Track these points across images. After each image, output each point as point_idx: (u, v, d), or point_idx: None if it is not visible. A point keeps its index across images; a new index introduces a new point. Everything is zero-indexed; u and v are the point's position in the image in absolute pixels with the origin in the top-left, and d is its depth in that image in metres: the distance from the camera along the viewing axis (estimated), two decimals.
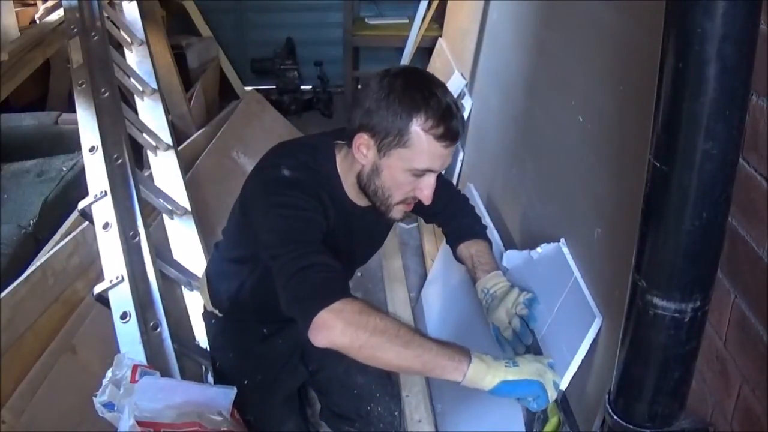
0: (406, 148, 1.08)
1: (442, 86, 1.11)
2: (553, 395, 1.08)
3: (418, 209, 1.49)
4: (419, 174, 1.11)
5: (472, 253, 1.39)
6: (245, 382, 1.39)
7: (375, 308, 1.01)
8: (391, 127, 1.07)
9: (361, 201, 1.22)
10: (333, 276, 1.02)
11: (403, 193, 1.14)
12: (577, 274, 1.24)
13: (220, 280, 1.42)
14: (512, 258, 1.47)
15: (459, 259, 1.43)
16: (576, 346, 1.17)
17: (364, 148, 1.11)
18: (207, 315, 1.51)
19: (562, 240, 1.32)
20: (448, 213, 1.46)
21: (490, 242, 1.44)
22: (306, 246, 1.05)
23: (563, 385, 1.18)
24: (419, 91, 1.07)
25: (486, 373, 1.02)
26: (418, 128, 1.06)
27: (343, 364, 1.46)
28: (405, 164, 1.09)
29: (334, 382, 1.48)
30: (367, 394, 1.47)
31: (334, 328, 0.96)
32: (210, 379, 1.53)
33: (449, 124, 1.06)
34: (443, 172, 1.24)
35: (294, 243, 1.05)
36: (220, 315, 1.45)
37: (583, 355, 1.16)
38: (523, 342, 1.25)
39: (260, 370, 1.42)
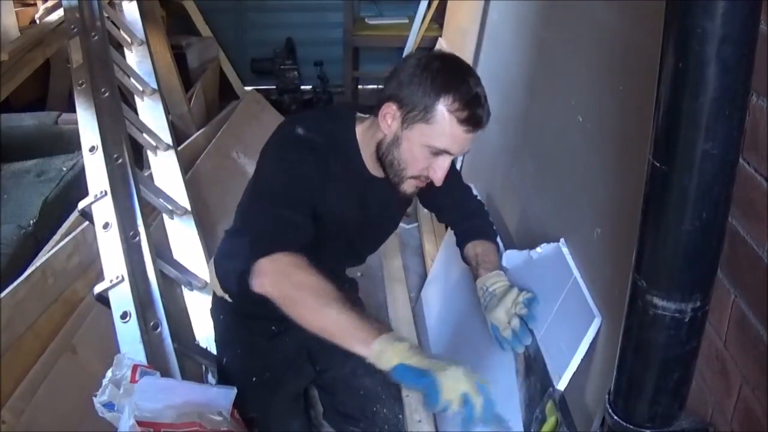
0: (429, 125, 1.12)
1: (476, 77, 1.16)
2: (446, 402, 0.96)
3: (432, 204, 1.49)
4: (436, 152, 1.14)
5: (477, 252, 1.40)
6: (253, 379, 1.40)
7: (310, 266, 1.04)
8: (419, 102, 1.11)
9: (376, 171, 1.25)
10: (288, 230, 1.08)
11: (418, 169, 1.17)
12: (576, 274, 1.24)
13: (228, 259, 1.43)
14: (512, 258, 1.47)
15: (465, 260, 1.44)
16: (575, 345, 1.17)
17: (390, 117, 1.16)
18: (216, 308, 1.52)
19: (562, 240, 1.32)
20: (461, 213, 1.48)
21: (497, 245, 1.44)
22: (283, 199, 1.12)
23: (562, 385, 1.18)
24: (453, 75, 1.12)
25: (389, 353, 0.96)
26: (443, 108, 1.10)
27: (350, 365, 1.46)
28: (425, 140, 1.13)
29: (340, 382, 1.49)
30: (373, 395, 1.47)
31: (266, 276, 1.04)
32: (210, 379, 1.53)
33: (474, 110, 1.11)
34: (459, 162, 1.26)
35: (272, 196, 1.13)
36: (230, 301, 1.45)
37: (582, 354, 1.16)
38: (522, 342, 1.25)
39: (268, 367, 1.43)
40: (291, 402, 1.47)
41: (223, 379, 1.45)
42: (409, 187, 1.22)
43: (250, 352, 1.45)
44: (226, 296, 1.46)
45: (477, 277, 1.36)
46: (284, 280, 1.03)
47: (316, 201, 1.19)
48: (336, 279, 1.49)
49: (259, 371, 1.42)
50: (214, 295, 1.52)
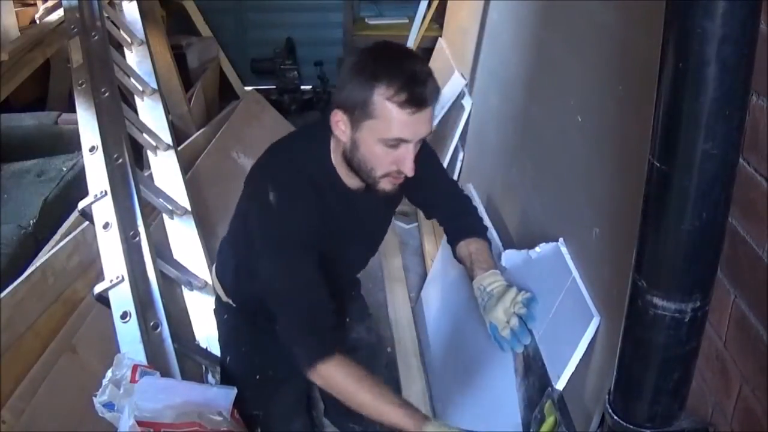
0: (374, 119, 1.08)
1: (412, 57, 1.11)
2: None
3: (418, 200, 1.48)
4: (393, 144, 1.10)
5: (470, 251, 1.39)
6: (257, 377, 1.40)
7: (353, 367, 1.16)
8: (358, 99, 1.08)
9: (356, 184, 1.23)
10: (325, 333, 1.17)
11: (385, 166, 1.14)
12: (575, 273, 1.24)
13: (232, 274, 1.43)
14: (511, 258, 1.47)
15: (458, 258, 1.43)
16: (574, 345, 1.17)
17: (341, 124, 1.13)
18: (220, 308, 1.52)
19: (561, 240, 1.33)
20: (450, 211, 1.46)
21: (489, 242, 1.43)
22: (306, 294, 1.17)
23: (561, 384, 1.18)
24: (384, 62, 1.08)
25: None
26: (380, 97, 1.06)
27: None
28: (376, 135, 1.10)
29: None
30: None
31: (328, 380, 1.17)
32: (210, 379, 1.53)
33: (413, 90, 1.05)
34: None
35: (295, 296, 1.18)
36: (234, 306, 1.45)
37: (581, 354, 1.16)
38: (521, 341, 1.25)
39: (272, 366, 1.43)
40: (294, 401, 1.47)
41: (226, 378, 1.45)
42: (385, 185, 1.18)
43: (254, 351, 1.44)
44: (230, 301, 1.46)
45: (473, 277, 1.35)
46: (340, 387, 1.17)
47: (321, 248, 1.20)
48: (346, 285, 1.53)
49: (263, 370, 1.42)
50: (218, 297, 1.52)
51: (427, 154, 1.29)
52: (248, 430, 1.34)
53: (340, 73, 1.13)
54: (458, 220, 1.46)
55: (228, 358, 1.47)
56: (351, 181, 1.23)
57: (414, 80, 1.06)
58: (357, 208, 1.27)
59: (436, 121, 2.53)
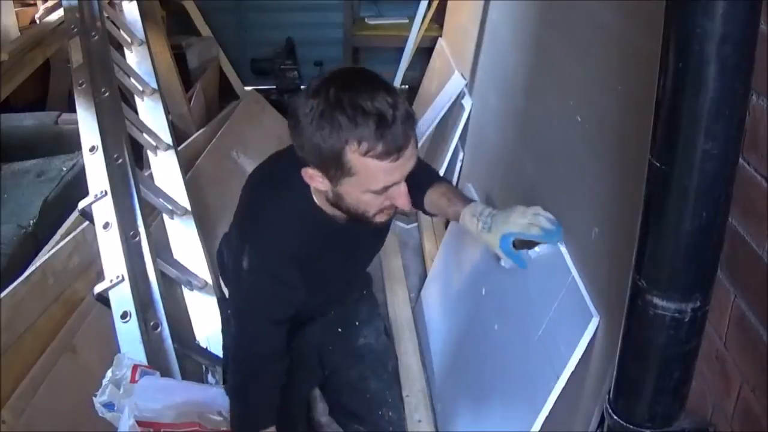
0: (354, 176, 1.00)
1: (371, 87, 0.98)
2: None
3: None
4: (381, 192, 1.05)
5: (441, 192, 1.31)
6: None
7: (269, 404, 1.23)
8: (331, 162, 0.99)
9: (342, 215, 1.17)
10: (266, 369, 1.21)
11: (376, 206, 1.08)
12: (574, 273, 1.24)
13: (223, 263, 1.44)
14: (506, 260, 1.46)
15: (429, 210, 1.36)
16: (573, 345, 1.17)
17: (317, 179, 1.06)
18: (222, 306, 1.53)
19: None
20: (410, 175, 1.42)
21: (449, 182, 1.38)
22: (263, 353, 1.21)
23: (560, 384, 1.17)
24: (342, 111, 0.95)
25: None
26: (355, 155, 0.97)
27: (358, 369, 1.46)
28: (361, 188, 1.03)
29: (347, 385, 1.49)
30: (380, 399, 1.47)
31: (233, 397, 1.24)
32: (210, 379, 1.53)
33: (387, 138, 0.95)
34: None
35: (253, 340, 1.22)
36: None
37: (581, 354, 1.16)
38: (555, 236, 1.21)
39: None
40: (297, 403, 1.47)
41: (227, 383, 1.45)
42: (380, 219, 1.13)
43: None
44: None
45: (455, 213, 1.27)
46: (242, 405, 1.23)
47: (310, 275, 1.20)
48: (353, 283, 1.54)
49: None
50: (222, 291, 1.53)
51: None
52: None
53: (295, 122, 1.01)
54: (416, 176, 1.39)
55: (230, 356, 1.47)
56: (338, 214, 1.17)
57: (384, 124, 0.95)
58: (346, 236, 1.23)
59: (436, 121, 2.54)
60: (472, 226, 1.24)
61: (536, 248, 1.35)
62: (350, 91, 0.96)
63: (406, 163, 1.02)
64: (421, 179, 1.35)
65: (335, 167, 1.00)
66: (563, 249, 1.30)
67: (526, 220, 1.20)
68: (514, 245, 1.23)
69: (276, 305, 1.19)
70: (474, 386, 1.58)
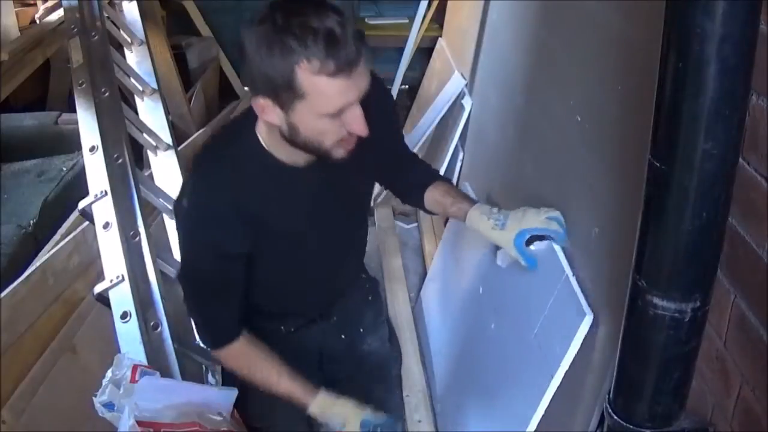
0: (306, 98, 0.96)
1: (316, 9, 0.95)
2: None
3: (378, 175, 1.37)
4: (336, 115, 0.99)
5: (444, 190, 1.31)
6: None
7: (256, 352, 1.24)
8: (278, 82, 0.95)
9: (300, 159, 1.11)
10: (223, 327, 1.23)
11: (333, 136, 1.02)
12: (568, 271, 1.24)
13: None
14: (506, 256, 1.46)
15: (429, 208, 1.34)
16: (567, 344, 1.16)
17: (268, 111, 1.01)
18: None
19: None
20: (401, 169, 1.35)
21: (451, 182, 1.38)
22: (212, 295, 1.21)
23: (555, 383, 1.17)
24: (291, 34, 0.93)
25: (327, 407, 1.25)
26: (305, 73, 0.93)
27: (359, 377, 1.44)
28: (315, 112, 0.98)
29: (346, 391, 1.46)
30: (379, 405, 1.44)
31: (225, 363, 1.30)
32: (210, 379, 1.52)
33: (338, 54, 0.92)
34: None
35: (199, 300, 1.23)
36: None
37: (575, 353, 1.16)
38: (564, 236, 1.25)
39: None
40: (295, 407, 1.46)
41: (229, 383, 1.45)
42: (338, 153, 1.06)
43: None
44: None
45: (462, 212, 1.27)
46: (235, 368, 1.28)
47: (263, 249, 1.17)
48: (341, 274, 1.46)
49: None
50: None
51: (390, 105, 1.28)
52: None
53: (242, 54, 0.99)
54: (412, 173, 1.35)
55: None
56: (296, 158, 1.11)
57: (334, 41, 0.92)
58: (311, 188, 1.17)
59: (436, 121, 2.54)
60: (482, 224, 1.24)
61: (531, 246, 1.30)
62: (298, 15, 0.94)
63: (359, 82, 0.98)
64: (422, 177, 1.35)
65: (286, 92, 0.96)
66: (557, 247, 1.29)
67: (542, 217, 1.24)
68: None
69: (211, 255, 1.15)
70: (473, 386, 1.58)
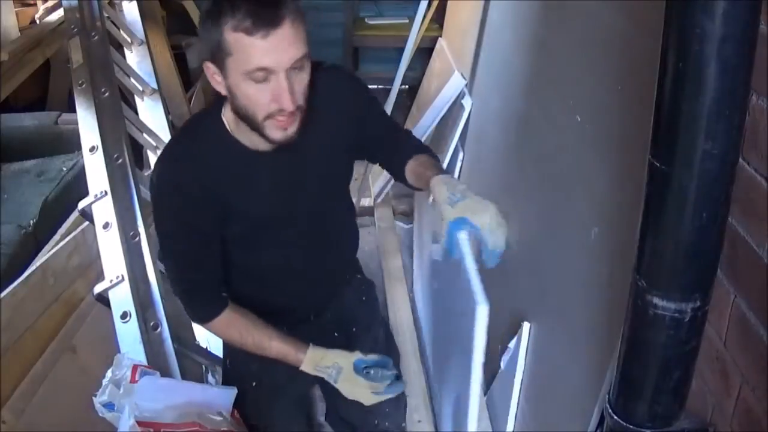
0: (232, 56, 1.03)
1: None
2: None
3: (362, 149, 1.35)
4: (261, 78, 1.03)
5: (422, 161, 1.28)
6: (253, 383, 1.38)
7: (244, 320, 1.26)
8: (214, 42, 1.04)
9: (263, 143, 1.14)
10: (204, 297, 1.25)
11: (263, 106, 1.06)
12: (467, 257, 1.12)
13: None
14: (435, 251, 1.44)
15: (410, 182, 1.30)
16: (471, 339, 1.10)
17: (215, 77, 1.10)
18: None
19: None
20: (389, 147, 1.35)
21: (437, 158, 1.34)
22: (188, 266, 1.24)
23: (474, 387, 1.16)
24: (224, 1, 1.02)
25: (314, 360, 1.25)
26: (229, 30, 1.01)
27: None
28: (239, 71, 1.04)
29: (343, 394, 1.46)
30: (378, 410, 1.43)
31: (216, 332, 1.31)
32: (210, 379, 1.53)
33: (258, 12, 1.00)
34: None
35: (177, 268, 1.27)
36: None
37: (482, 346, 1.09)
38: (495, 257, 1.10)
39: (270, 372, 1.40)
40: (293, 406, 1.45)
41: (226, 384, 1.44)
42: (272, 131, 1.09)
43: (252, 357, 1.42)
44: None
45: (429, 179, 1.19)
46: (227, 337, 1.31)
47: (231, 227, 1.22)
48: (333, 273, 1.46)
49: (260, 375, 1.40)
50: None
51: (361, 95, 1.30)
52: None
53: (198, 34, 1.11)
54: (402, 147, 1.34)
55: (228, 362, 1.46)
56: (258, 143, 1.15)
57: (258, 3, 1.01)
58: (276, 169, 1.20)
59: (436, 121, 2.54)
60: (439, 192, 1.15)
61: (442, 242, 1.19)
62: None
63: (281, 49, 1.03)
64: (406, 151, 1.32)
65: (217, 48, 1.04)
66: (463, 235, 1.13)
67: (493, 223, 1.11)
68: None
69: (180, 223, 1.20)
70: (442, 386, 1.58)
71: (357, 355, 1.27)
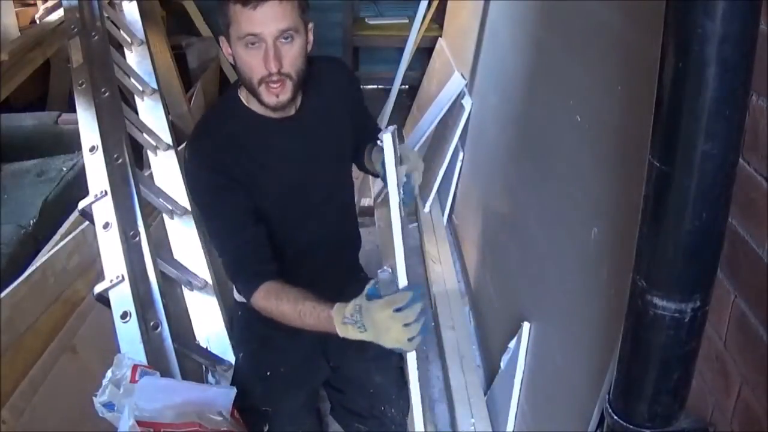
0: (231, 25, 1.21)
1: None
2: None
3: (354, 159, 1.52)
4: (251, 42, 1.20)
5: (371, 146, 1.42)
6: (268, 373, 1.42)
7: (281, 289, 1.27)
8: (222, 16, 1.22)
9: (276, 113, 1.32)
10: (251, 267, 1.31)
11: (256, 70, 1.22)
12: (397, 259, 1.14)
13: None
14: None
15: (368, 167, 1.49)
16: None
17: (227, 48, 1.26)
18: (234, 306, 1.57)
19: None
20: (366, 138, 1.48)
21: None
22: (231, 237, 1.33)
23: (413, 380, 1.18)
24: None
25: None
26: (231, 5, 1.18)
27: (364, 364, 1.47)
28: (236, 38, 1.21)
29: (352, 380, 1.49)
30: (384, 394, 1.47)
31: (261, 308, 1.31)
32: (210, 379, 1.53)
33: None
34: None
35: (223, 239, 1.36)
36: (244, 302, 1.47)
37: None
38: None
39: (285, 362, 1.44)
40: (304, 400, 1.48)
41: (238, 374, 1.46)
42: (266, 96, 1.25)
43: (267, 347, 1.46)
44: (242, 297, 1.47)
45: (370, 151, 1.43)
46: (269, 312, 1.29)
47: (267, 201, 1.34)
48: (339, 257, 1.55)
49: (275, 367, 1.43)
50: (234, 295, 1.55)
51: (354, 85, 1.48)
52: (256, 426, 1.35)
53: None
54: (369, 139, 1.46)
55: (241, 355, 1.48)
56: (267, 111, 1.31)
57: None
58: (285, 135, 1.36)
59: (436, 121, 2.54)
60: (376, 154, 1.35)
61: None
62: None
63: (267, 18, 1.18)
64: (367, 141, 1.47)
65: (224, 21, 1.22)
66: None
67: (411, 164, 1.27)
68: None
69: (215, 195, 1.32)
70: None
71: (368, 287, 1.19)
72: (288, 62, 1.23)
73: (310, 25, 1.30)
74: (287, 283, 1.28)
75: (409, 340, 1.10)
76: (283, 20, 1.20)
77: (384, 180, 1.21)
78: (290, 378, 1.43)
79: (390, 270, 1.16)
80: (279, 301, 1.26)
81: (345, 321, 1.14)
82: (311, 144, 1.39)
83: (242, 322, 1.52)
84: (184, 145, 1.46)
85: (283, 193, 1.38)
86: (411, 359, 1.17)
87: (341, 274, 1.55)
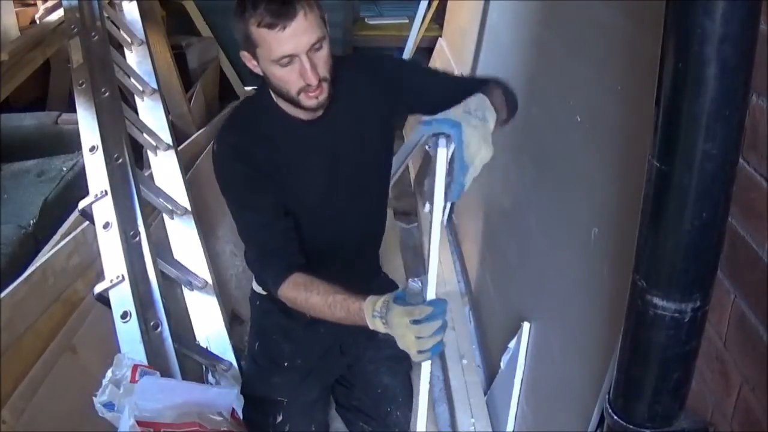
0: (259, 47, 1.18)
1: None
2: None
3: (423, 111, 1.31)
4: (286, 63, 1.17)
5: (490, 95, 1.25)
6: (285, 364, 1.43)
7: (310, 281, 1.25)
8: (242, 36, 1.19)
9: (302, 114, 1.30)
10: (277, 260, 1.30)
11: (294, 84, 1.21)
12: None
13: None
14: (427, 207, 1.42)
15: None
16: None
17: (251, 63, 1.24)
18: (252, 297, 1.58)
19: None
20: (452, 93, 1.26)
21: (497, 90, 1.27)
22: (259, 236, 1.33)
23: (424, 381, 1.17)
24: None
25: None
26: (252, 26, 1.15)
27: (375, 363, 1.47)
28: (267, 59, 1.18)
29: (361, 378, 1.50)
30: (391, 395, 1.48)
31: (288, 299, 1.29)
32: (210, 378, 1.53)
33: (272, 8, 1.12)
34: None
35: (251, 232, 1.35)
36: (263, 293, 1.47)
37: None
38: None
39: (301, 354, 1.45)
40: (319, 393, 1.49)
41: (253, 365, 1.47)
42: (306, 101, 1.23)
43: (285, 338, 1.47)
44: (260, 288, 1.48)
45: None
46: (297, 303, 1.27)
47: (297, 195, 1.33)
48: (362, 256, 1.57)
49: (292, 358, 1.44)
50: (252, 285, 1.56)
51: (379, 71, 1.37)
52: (269, 416, 1.38)
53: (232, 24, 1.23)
54: (465, 90, 1.27)
55: (257, 344, 1.49)
56: (298, 113, 1.30)
57: (274, 0, 1.13)
58: (318, 137, 1.33)
59: None
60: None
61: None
62: None
63: (299, 35, 1.15)
64: (468, 90, 1.25)
65: (248, 42, 1.19)
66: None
67: (462, 116, 1.17)
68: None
69: (245, 187, 1.31)
70: None
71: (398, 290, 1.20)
72: (322, 67, 1.21)
73: (326, 18, 1.25)
74: (314, 275, 1.27)
75: (419, 352, 1.09)
76: (312, 33, 1.16)
77: (430, 194, 1.15)
78: (308, 370, 1.44)
79: (420, 283, 1.15)
80: (309, 293, 1.24)
81: (375, 314, 1.15)
82: (339, 146, 1.36)
83: (259, 313, 1.54)
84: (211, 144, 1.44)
85: (309, 194, 1.37)
86: (425, 365, 1.16)
87: (361, 272, 1.56)
